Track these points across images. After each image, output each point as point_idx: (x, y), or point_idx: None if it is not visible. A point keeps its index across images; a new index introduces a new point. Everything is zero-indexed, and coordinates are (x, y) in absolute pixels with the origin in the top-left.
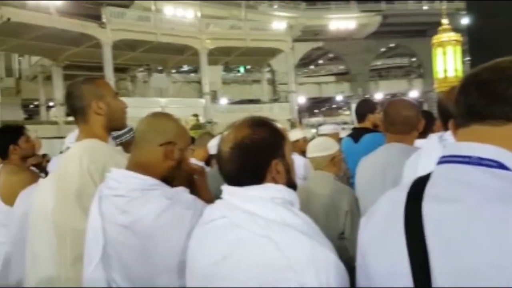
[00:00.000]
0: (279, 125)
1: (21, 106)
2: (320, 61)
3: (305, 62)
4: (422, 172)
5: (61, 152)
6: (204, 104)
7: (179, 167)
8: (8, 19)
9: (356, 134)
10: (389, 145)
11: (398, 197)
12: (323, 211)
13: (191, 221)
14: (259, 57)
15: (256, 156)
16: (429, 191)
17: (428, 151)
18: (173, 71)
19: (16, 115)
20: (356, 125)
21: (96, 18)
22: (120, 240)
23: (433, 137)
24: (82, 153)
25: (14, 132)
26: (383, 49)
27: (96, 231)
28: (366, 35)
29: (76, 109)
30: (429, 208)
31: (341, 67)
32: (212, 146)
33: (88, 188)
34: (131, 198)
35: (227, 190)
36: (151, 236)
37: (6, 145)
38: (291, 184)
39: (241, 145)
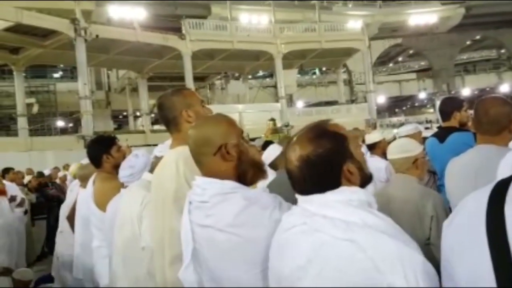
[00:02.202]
0: (334, 122)
1: (111, 117)
2: (400, 58)
3: (383, 60)
4: None
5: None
6: (280, 108)
7: (246, 159)
8: (97, 36)
9: (442, 134)
10: (481, 147)
11: (481, 199)
12: (407, 216)
13: (269, 219)
14: (335, 58)
15: (326, 168)
16: None
17: None
18: (249, 77)
19: (106, 125)
20: (441, 124)
21: (176, 30)
22: (206, 239)
23: None
24: (178, 158)
25: (106, 142)
26: (468, 42)
27: (187, 234)
28: (448, 28)
29: (168, 119)
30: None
31: (423, 63)
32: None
33: (184, 190)
34: (214, 203)
35: (302, 199)
36: (232, 235)
37: (99, 154)
38: (366, 179)
39: (308, 162)
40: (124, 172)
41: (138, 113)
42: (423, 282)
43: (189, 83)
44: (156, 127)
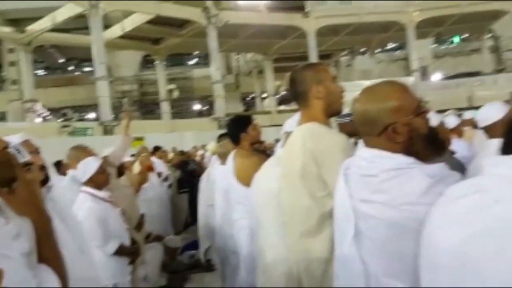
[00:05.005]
0: None
1: (240, 99)
2: None
3: None
4: None
5: (277, 141)
6: (413, 82)
7: (419, 138)
8: (226, 22)
9: None
10: None
11: None
12: None
13: None
14: (478, 22)
15: None
16: None
17: None
18: (377, 51)
19: (236, 107)
20: None
21: (299, 9)
22: (372, 215)
23: None
24: (305, 135)
25: (244, 121)
26: None
27: (345, 209)
28: None
29: (297, 94)
30: None
31: None
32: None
33: (311, 167)
34: (385, 178)
35: (490, 161)
36: (413, 213)
37: (238, 133)
38: None
39: None
40: None
41: (264, 95)
42: None
43: (313, 61)
44: (282, 107)
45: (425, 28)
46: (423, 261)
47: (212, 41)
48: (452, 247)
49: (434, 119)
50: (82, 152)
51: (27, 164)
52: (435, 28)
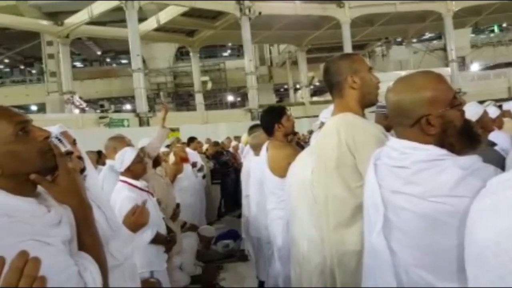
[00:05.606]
0: None
1: (273, 90)
2: None
3: None
4: None
5: (310, 132)
6: (450, 72)
7: (453, 131)
8: (259, 13)
9: None
10: None
11: None
12: None
13: None
14: None
15: None
16: None
17: None
18: (414, 40)
19: (269, 98)
20: None
21: None
22: (403, 207)
23: None
24: (339, 126)
25: (277, 112)
26: None
27: (375, 199)
28: None
29: (332, 84)
30: None
31: None
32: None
33: (346, 158)
34: (418, 170)
35: None
36: (445, 205)
37: (272, 123)
38: None
39: None
40: None
41: (297, 86)
42: None
43: (348, 52)
44: (315, 98)
45: (463, 17)
46: (466, 254)
47: (246, 32)
48: (488, 240)
49: (476, 110)
50: (119, 142)
51: (68, 153)
52: (473, 17)
